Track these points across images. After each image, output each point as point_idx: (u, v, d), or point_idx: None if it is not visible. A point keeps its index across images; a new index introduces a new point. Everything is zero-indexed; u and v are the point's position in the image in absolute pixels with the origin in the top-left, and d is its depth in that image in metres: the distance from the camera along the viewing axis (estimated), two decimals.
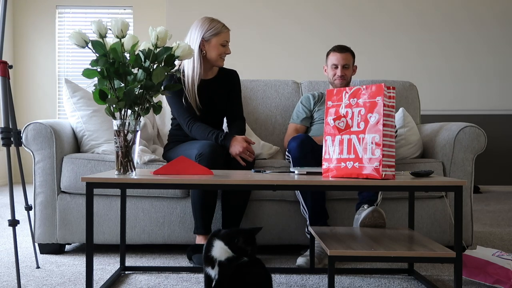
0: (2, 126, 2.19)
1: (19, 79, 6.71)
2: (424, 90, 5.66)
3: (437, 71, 6.01)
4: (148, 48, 1.91)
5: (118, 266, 2.38)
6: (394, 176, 1.80)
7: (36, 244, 2.60)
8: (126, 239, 2.40)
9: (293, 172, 2.05)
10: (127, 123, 1.88)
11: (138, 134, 1.92)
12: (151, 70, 1.90)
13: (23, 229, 3.16)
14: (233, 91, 2.84)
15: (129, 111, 1.92)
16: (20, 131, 2.31)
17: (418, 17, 6.02)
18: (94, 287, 1.95)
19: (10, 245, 2.84)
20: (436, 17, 6.02)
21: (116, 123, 1.88)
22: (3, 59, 2.23)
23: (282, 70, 5.92)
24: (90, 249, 1.81)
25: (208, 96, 2.73)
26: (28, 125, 2.62)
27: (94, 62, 1.88)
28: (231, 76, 2.86)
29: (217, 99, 2.78)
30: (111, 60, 1.87)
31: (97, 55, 1.88)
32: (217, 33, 2.66)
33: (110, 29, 1.88)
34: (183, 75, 2.68)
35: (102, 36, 1.89)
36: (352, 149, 1.83)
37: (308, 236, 2.39)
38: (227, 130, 2.83)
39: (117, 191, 2.59)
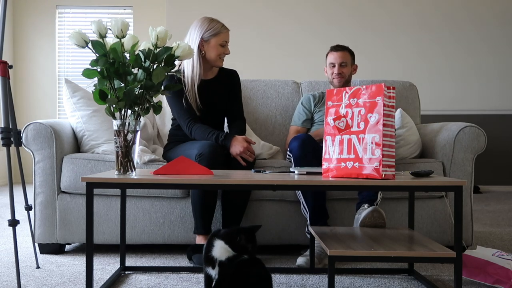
0: (2, 126, 2.19)
1: (19, 79, 6.72)
2: (425, 90, 5.67)
3: (437, 71, 6.01)
4: (148, 48, 1.91)
5: (118, 266, 2.38)
6: (394, 176, 1.80)
7: (36, 244, 2.60)
8: (126, 239, 2.40)
9: (293, 172, 2.05)
10: (127, 123, 1.88)
11: (138, 134, 1.92)
12: (151, 70, 1.90)
13: (23, 229, 3.16)
14: (233, 91, 2.84)
15: (129, 111, 1.92)
16: (20, 131, 2.31)
17: (418, 17, 6.02)
18: (94, 287, 1.95)
19: (10, 245, 2.84)
20: (436, 17, 6.02)
21: (116, 123, 1.88)
22: (3, 59, 2.23)
23: (282, 70, 5.92)
24: (90, 249, 1.81)
25: (208, 97, 2.73)
26: (28, 125, 2.62)
27: (94, 62, 1.88)
28: (231, 76, 2.86)
29: (217, 99, 2.78)
30: (111, 60, 1.87)
31: (97, 55, 1.88)
32: (216, 34, 2.66)
33: (110, 29, 1.88)
34: (183, 76, 2.68)
35: (102, 36, 1.89)
36: (352, 149, 1.83)
37: (308, 236, 2.39)
38: (228, 130, 2.83)
39: (117, 191, 2.59)
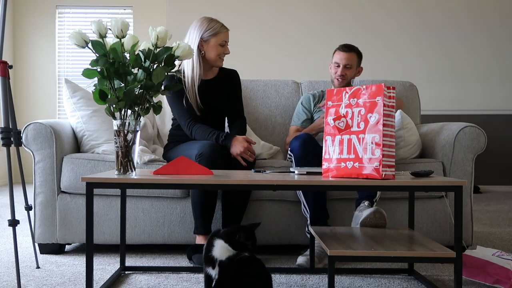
0: (2, 126, 2.20)
1: (19, 79, 6.72)
2: (426, 90, 5.67)
3: (438, 71, 6.01)
4: (148, 48, 1.91)
5: (118, 266, 2.38)
6: (394, 176, 1.80)
7: (36, 244, 2.60)
8: (126, 239, 2.40)
9: (293, 172, 2.05)
10: (127, 123, 1.88)
11: (138, 134, 1.92)
12: (151, 70, 1.90)
13: (23, 229, 3.16)
14: (233, 91, 2.84)
15: (129, 111, 1.92)
16: (20, 131, 2.31)
17: (419, 17, 6.01)
18: (94, 287, 1.95)
19: (10, 245, 2.84)
20: (437, 16, 6.01)
21: (116, 123, 1.88)
22: (3, 59, 2.23)
23: (282, 70, 5.92)
24: (90, 249, 1.81)
25: (208, 97, 2.73)
26: (28, 125, 2.62)
27: (94, 62, 1.88)
28: (232, 76, 2.86)
29: (218, 99, 2.78)
30: (111, 60, 1.87)
31: (97, 55, 1.88)
32: (215, 33, 2.66)
33: (110, 29, 1.88)
34: (183, 76, 2.68)
35: (102, 36, 1.89)
36: (352, 149, 1.83)
37: (308, 235, 2.39)
38: (228, 130, 2.83)
39: (117, 191, 2.59)
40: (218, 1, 5.97)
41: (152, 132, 3.12)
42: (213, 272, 1.73)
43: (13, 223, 2.12)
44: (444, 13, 6.02)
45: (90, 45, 1.89)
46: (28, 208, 2.39)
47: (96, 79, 1.91)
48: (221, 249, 1.72)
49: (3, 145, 2.19)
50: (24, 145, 2.58)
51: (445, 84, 6.01)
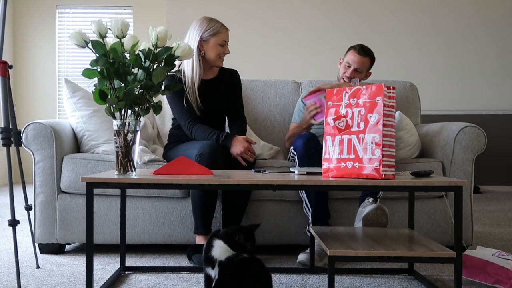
0: (2, 126, 2.19)
1: (19, 79, 6.72)
2: (429, 89, 5.67)
3: (441, 70, 6.00)
4: (148, 48, 1.91)
5: (118, 266, 2.38)
6: (394, 176, 1.80)
7: (36, 244, 2.60)
8: (126, 239, 2.40)
9: (293, 172, 2.05)
10: (127, 123, 1.88)
11: (138, 134, 1.92)
12: (151, 70, 1.90)
13: (23, 229, 3.16)
14: (233, 91, 2.84)
15: (129, 111, 1.92)
16: (20, 131, 2.31)
17: (422, 15, 6.00)
18: (94, 287, 1.95)
19: (10, 245, 2.84)
20: (441, 14, 6.00)
21: (116, 123, 1.88)
22: (3, 59, 2.23)
23: (282, 70, 5.93)
24: (90, 249, 1.81)
25: (208, 96, 2.73)
26: (28, 125, 2.62)
27: (94, 62, 1.88)
28: (232, 76, 2.86)
29: (218, 99, 2.77)
30: (111, 60, 1.87)
31: (97, 55, 1.88)
32: (215, 33, 2.66)
33: (110, 29, 1.88)
34: (183, 76, 2.68)
35: (102, 36, 1.89)
36: (352, 149, 1.83)
37: (309, 234, 2.39)
38: (228, 130, 2.83)
39: (117, 191, 2.59)
40: (218, 0, 5.98)
41: (152, 132, 3.12)
42: (213, 272, 1.73)
43: (13, 223, 2.12)
44: (448, 12, 6.00)
45: (90, 45, 1.89)
46: (28, 208, 2.39)
47: (96, 79, 1.91)
48: (220, 250, 1.72)
49: (3, 145, 2.19)
50: (24, 145, 2.58)
51: (448, 83, 6.00)
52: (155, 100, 2.00)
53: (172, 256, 2.62)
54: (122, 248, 2.32)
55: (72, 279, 2.20)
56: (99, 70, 1.88)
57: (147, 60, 1.90)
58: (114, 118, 1.90)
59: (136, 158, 1.93)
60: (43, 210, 2.62)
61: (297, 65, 5.94)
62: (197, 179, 1.81)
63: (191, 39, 2.68)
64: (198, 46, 2.66)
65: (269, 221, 2.65)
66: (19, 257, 2.46)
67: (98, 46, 1.87)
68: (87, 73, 1.89)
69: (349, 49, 2.94)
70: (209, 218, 2.52)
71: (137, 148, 1.93)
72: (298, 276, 2.27)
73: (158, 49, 1.91)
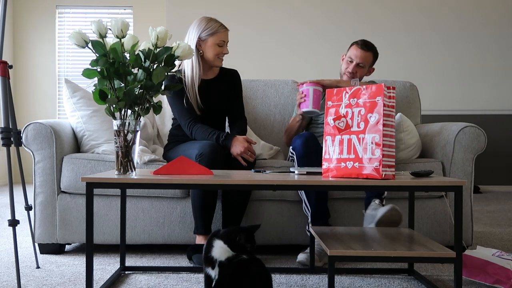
0: (2, 126, 2.19)
1: (19, 79, 6.72)
2: (429, 89, 5.67)
3: (441, 70, 6.00)
4: (148, 48, 1.91)
5: (118, 266, 2.38)
6: (394, 176, 1.80)
7: (36, 244, 2.60)
8: (126, 239, 2.40)
9: (293, 172, 2.05)
10: (127, 123, 1.88)
11: (138, 134, 1.92)
12: (151, 70, 1.90)
13: (23, 229, 3.16)
14: (234, 91, 2.84)
15: (129, 111, 1.92)
16: (20, 131, 2.31)
17: (422, 15, 6.00)
18: (94, 287, 1.95)
19: (10, 245, 2.84)
20: (441, 14, 6.00)
21: (116, 123, 1.88)
22: (3, 59, 2.23)
23: (282, 70, 5.93)
24: (90, 249, 1.81)
25: (208, 96, 2.73)
26: (28, 125, 2.62)
27: (94, 62, 1.88)
28: (232, 76, 2.86)
29: (218, 99, 2.77)
30: (111, 60, 1.87)
31: (97, 55, 1.88)
32: (213, 33, 2.65)
33: (110, 29, 1.88)
34: (184, 76, 2.69)
35: (102, 36, 1.89)
36: (352, 149, 1.83)
37: (309, 234, 2.39)
38: (229, 130, 2.83)
39: (117, 191, 2.59)
40: (219, 1, 5.98)
41: (152, 132, 3.12)
42: (213, 273, 1.73)
43: (13, 223, 2.12)
44: (448, 12, 6.00)
45: (90, 45, 1.89)
46: (28, 208, 2.39)
47: (96, 79, 1.91)
48: (220, 250, 1.72)
49: (3, 145, 2.19)
50: (24, 145, 2.58)
51: (447, 83, 6.00)
52: (155, 100, 2.00)
53: (172, 256, 2.62)
54: (122, 248, 2.32)
55: (72, 279, 2.20)
56: (99, 70, 1.88)
57: (147, 60, 1.90)
58: (114, 118, 1.90)
59: (136, 158, 1.93)
60: (43, 210, 2.62)
61: (297, 65, 5.94)
62: (197, 179, 1.81)
63: (190, 39, 2.68)
64: (196, 46, 2.66)
65: (269, 221, 2.65)
66: (19, 257, 2.46)
67: (98, 46, 1.87)
68: (87, 73, 1.89)
69: (352, 44, 2.92)
70: (209, 218, 2.52)
71: (137, 148, 1.93)
72: (298, 276, 2.27)
73: (158, 49, 1.91)
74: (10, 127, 2.22)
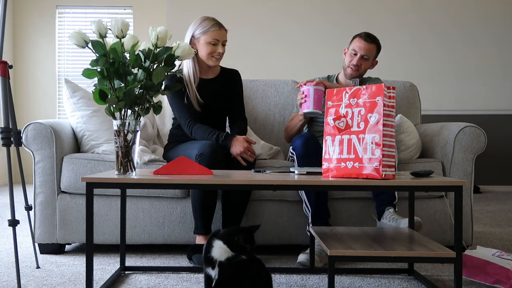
0: (2, 126, 2.19)
1: (19, 79, 6.72)
2: (427, 89, 5.66)
3: (440, 71, 6.00)
4: (148, 48, 1.91)
5: (118, 266, 2.38)
6: (394, 176, 1.80)
7: (36, 244, 2.60)
8: (126, 239, 2.40)
9: (293, 172, 2.05)
10: (127, 123, 1.88)
11: (138, 134, 1.92)
12: (151, 70, 1.90)
13: (23, 229, 3.16)
14: (234, 91, 2.84)
15: (129, 111, 1.92)
16: (20, 131, 2.31)
17: (420, 15, 6.00)
18: (94, 287, 1.95)
19: (10, 245, 2.84)
20: (439, 15, 6.00)
21: (116, 123, 1.88)
22: (3, 59, 2.23)
23: (282, 70, 5.92)
24: (90, 249, 1.81)
25: (208, 96, 2.73)
26: (28, 125, 2.62)
27: (94, 62, 1.88)
28: (233, 76, 2.86)
29: (218, 99, 2.77)
30: (111, 60, 1.87)
31: (97, 55, 1.88)
32: (205, 31, 2.64)
33: (110, 29, 1.88)
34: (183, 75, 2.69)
35: (102, 36, 1.89)
36: (352, 149, 1.83)
37: (309, 234, 2.39)
38: (229, 131, 2.82)
39: (117, 191, 2.59)
40: (219, 1, 5.98)
41: (152, 132, 3.12)
42: (213, 273, 1.73)
43: (13, 223, 2.12)
44: (446, 12, 6.00)
45: (90, 45, 1.89)
46: (28, 208, 2.39)
47: (96, 79, 1.91)
48: (220, 250, 1.72)
49: (3, 145, 2.19)
50: (24, 145, 2.58)
51: (447, 83, 6.00)
52: (155, 100, 2.00)
53: (172, 256, 2.62)
54: (122, 248, 2.32)
55: (72, 279, 2.20)
56: (99, 70, 1.88)
57: (147, 60, 1.90)
58: (114, 118, 1.90)
59: (136, 158, 1.93)
60: (43, 210, 2.62)
61: (297, 65, 5.94)
62: (197, 179, 1.81)
63: (186, 37, 2.69)
64: (190, 45, 2.65)
65: (269, 221, 2.64)
66: (19, 257, 2.46)
67: (98, 46, 1.87)
68: (87, 73, 1.89)
69: (355, 37, 2.87)
70: (209, 218, 2.52)
71: (137, 148, 1.93)
72: (298, 276, 2.27)
73: (158, 49, 1.91)
74: (10, 127, 2.22)
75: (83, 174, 2.60)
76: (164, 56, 1.91)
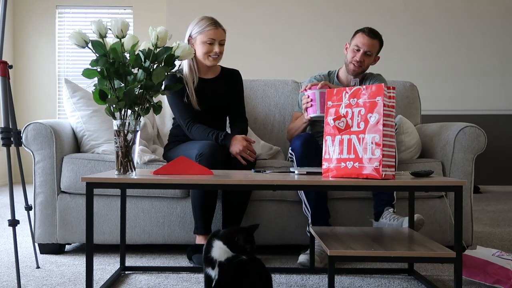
0: (2, 126, 2.19)
1: (19, 79, 6.72)
2: (426, 90, 5.66)
3: (438, 71, 6.00)
4: (148, 48, 1.91)
5: (118, 266, 2.38)
6: (394, 176, 1.80)
7: (36, 244, 2.60)
8: (126, 239, 2.40)
9: (293, 172, 2.05)
10: (127, 123, 1.88)
11: (138, 134, 1.92)
12: (151, 70, 1.90)
13: (23, 229, 3.16)
14: (234, 91, 2.84)
15: (129, 111, 1.92)
16: (20, 131, 2.31)
17: (418, 16, 6.00)
18: (94, 287, 1.95)
19: (10, 245, 2.84)
20: (437, 16, 6.00)
21: (116, 123, 1.88)
22: (3, 59, 2.23)
23: (282, 70, 5.92)
24: (90, 249, 1.81)
25: (208, 96, 2.73)
26: (28, 125, 2.62)
27: (94, 62, 1.88)
28: (233, 76, 2.86)
29: (218, 99, 2.77)
30: (111, 60, 1.87)
31: (97, 55, 1.88)
32: (201, 31, 2.64)
33: (110, 29, 1.88)
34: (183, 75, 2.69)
35: (102, 36, 1.89)
36: (352, 149, 1.83)
37: (309, 235, 2.39)
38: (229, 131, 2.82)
39: (117, 191, 2.59)
40: (218, 1, 5.98)
41: (152, 132, 3.12)
42: (213, 273, 1.73)
43: (13, 223, 2.12)
44: (444, 13, 6.01)
45: (90, 45, 1.89)
46: (28, 208, 2.39)
47: (96, 79, 1.91)
48: (219, 251, 1.72)
49: (3, 145, 2.19)
50: (24, 145, 2.58)
51: (445, 84, 6.00)
52: (155, 100, 2.01)
53: (172, 256, 2.62)
54: (122, 248, 2.32)
55: (72, 279, 2.20)
56: (99, 70, 1.88)
57: (147, 60, 1.90)
58: (114, 118, 1.90)
59: (136, 158, 1.93)
60: (43, 210, 2.62)
61: (297, 65, 5.94)
62: (197, 179, 1.81)
63: (185, 37, 2.69)
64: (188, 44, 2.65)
65: (269, 221, 2.64)
66: (19, 257, 2.46)
67: (98, 46, 1.87)
68: (87, 73, 1.89)
69: (357, 32, 2.82)
70: (209, 218, 2.52)
71: (137, 148, 1.93)
72: (298, 276, 2.27)
73: (158, 49, 1.91)
74: (10, 127, 2.22)
75: (83, 174, 2.60)
76: (164, 56, 1.91)
